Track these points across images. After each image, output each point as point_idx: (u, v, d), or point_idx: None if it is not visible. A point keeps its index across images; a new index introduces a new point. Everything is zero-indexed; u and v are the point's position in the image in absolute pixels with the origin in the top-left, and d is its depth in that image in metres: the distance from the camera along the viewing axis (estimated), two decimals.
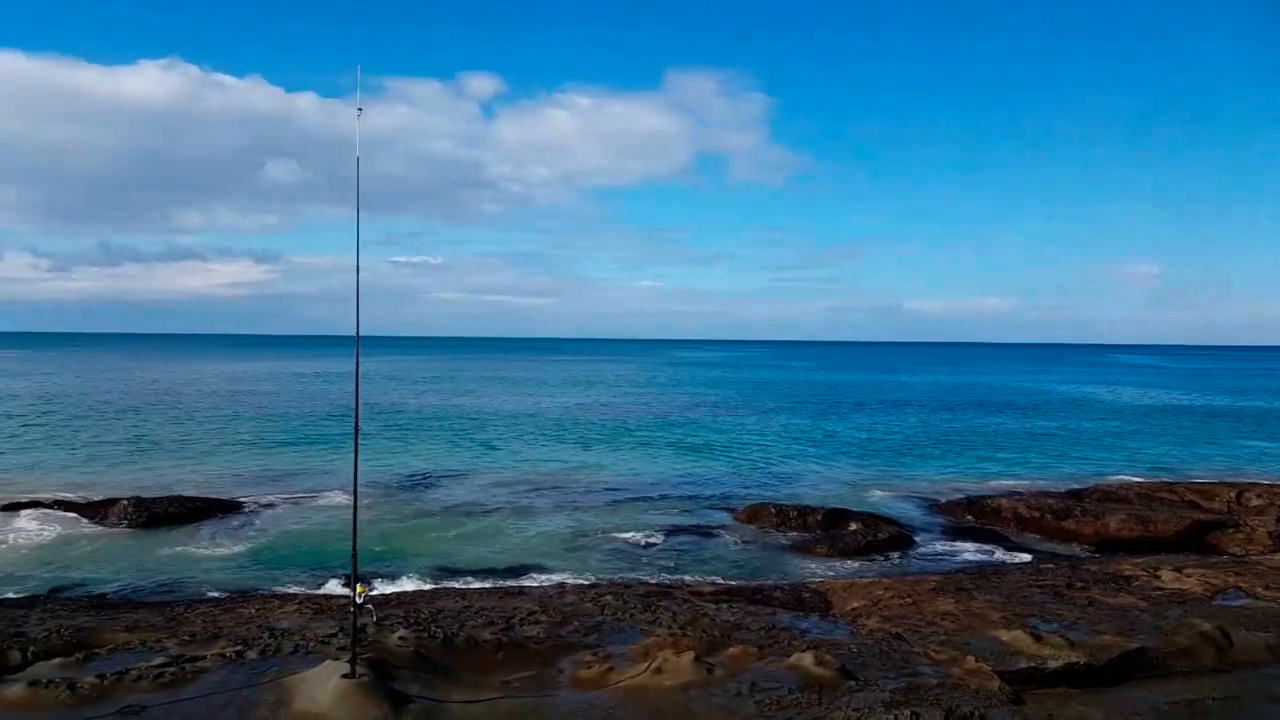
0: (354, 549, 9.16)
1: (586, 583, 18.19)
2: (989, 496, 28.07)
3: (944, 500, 28.77)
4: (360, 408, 9.48)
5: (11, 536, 22.55)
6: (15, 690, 7.64)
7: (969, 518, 26.34)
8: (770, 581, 18.65)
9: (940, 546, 22.98)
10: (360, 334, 8.96)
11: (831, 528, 24.04)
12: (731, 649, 11.01)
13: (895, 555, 21.85)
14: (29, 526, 23.58)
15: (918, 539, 23.48)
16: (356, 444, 9.31)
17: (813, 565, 20.87)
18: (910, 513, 27.23)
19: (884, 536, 22.80)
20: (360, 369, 9.48)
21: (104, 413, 54.65)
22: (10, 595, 16.99)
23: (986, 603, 14.45)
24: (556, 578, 19.13)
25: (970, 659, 10.88)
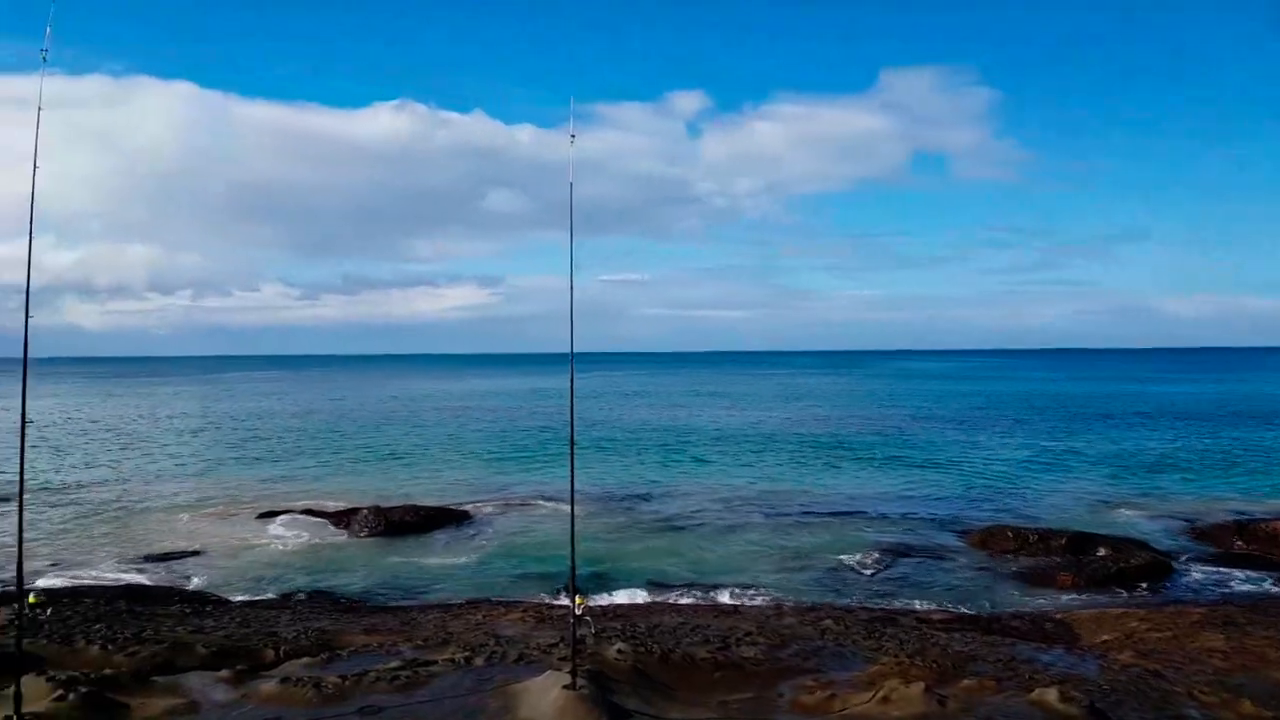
0: (572, 562, 9.17)
1: (805, 605, 17.55)
2: (1263, 519, 24.83)
3: (1206, 523, 25.72)
4: (575, 422, 9.50)
5: (268, 541, 24.74)
6: (270, 686, 8.13)
7: (1238, 543, 23.37)
8: (1007, 610, 17.26)
9: (1203, 575, 20.49)
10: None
11: (1076, 553, 22.01)
12: (965, 681, 10.13)
13: (1150, 584, 19.66)
14: (283, 533, 25.79)
15: (1176, 566, 21.06)
16: (572, 459, 9.33)
17: (1055, 594, 19.14)
18: (1166, 537, 24.52)
19: (1136, 563, 20.60)
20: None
21: (348, 427, 59.52)
22: (266, 597, 18.54)
23: (1264, 639, 12.64)
24: (772, 598, 18.60)
25: (1246, 703, 9.45)
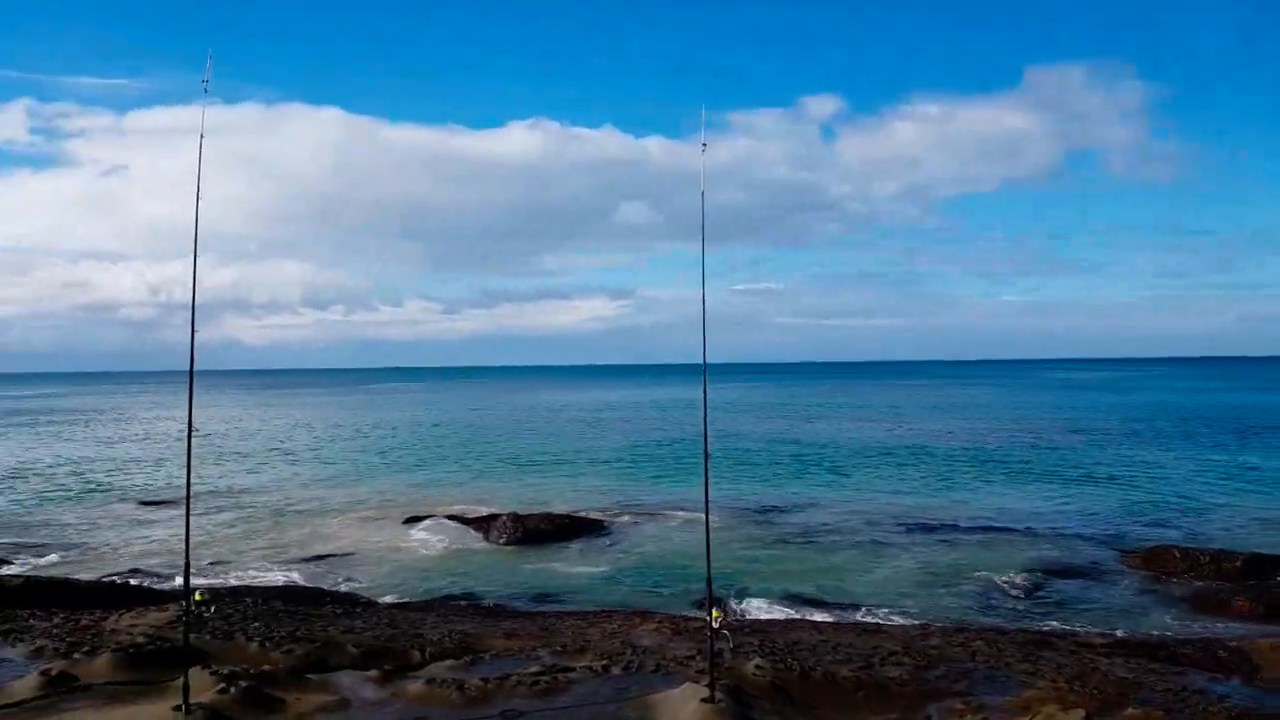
0: (708, 575, 9.01)
1: (952, 625, 16.78)
2: None
3: None
4: (709, 433, 9.35)
5: (412, 546, 25.62)
6: (416, 686, 8.31)
7: None
8: (1176, 635, 16.03)
9: None
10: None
11: (1254, 577, 20.27)
12: (1130, 710, 9.40)
13: None
14: (426, 537, 26.65)
15: None
16: (706, 471, 9.18)
17: (1229, 621, 17.65)
18: None
19: None
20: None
21: (487, 436, 61.26)
22: (411, 599, 19.15)
23: None
24: (915, 616, 17.89)
25: None
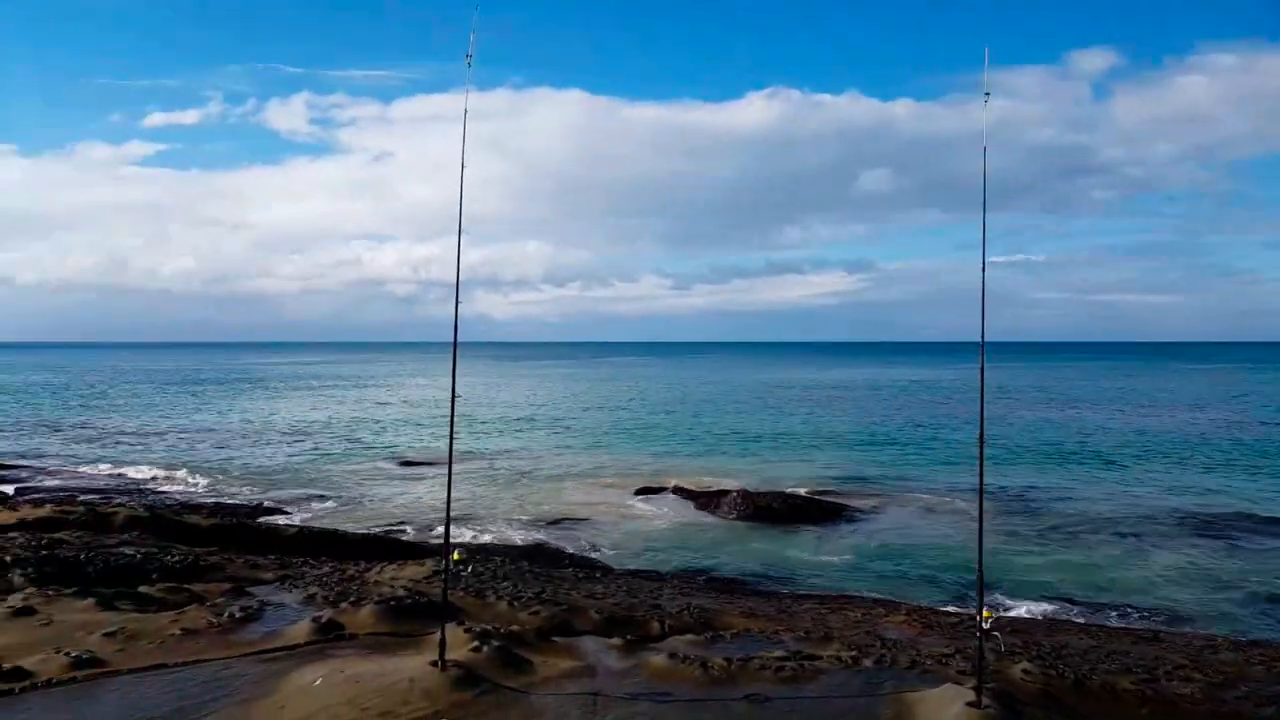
0: (979, 570, 8.15)
1: (1245, 639, 14.66)
2: None
3: None
4: (979, 415, 8.43)
5: (644, 516, 25.93)
6: (658, 660, 8.09)
7: None
8: None
9: None
10: (972, 340, 7.92)
11: None
12: None
13: None
14: (656, 509, 26.91)
15: None
16: (981, 457, 8.28)
17: None
18: None
19: None
20: (975, 376, 8.45)
21: (717, 411, 61.35)
22: (644, 568, 19.27)
23: None
24: (1196, 625, 15.84)
25: None
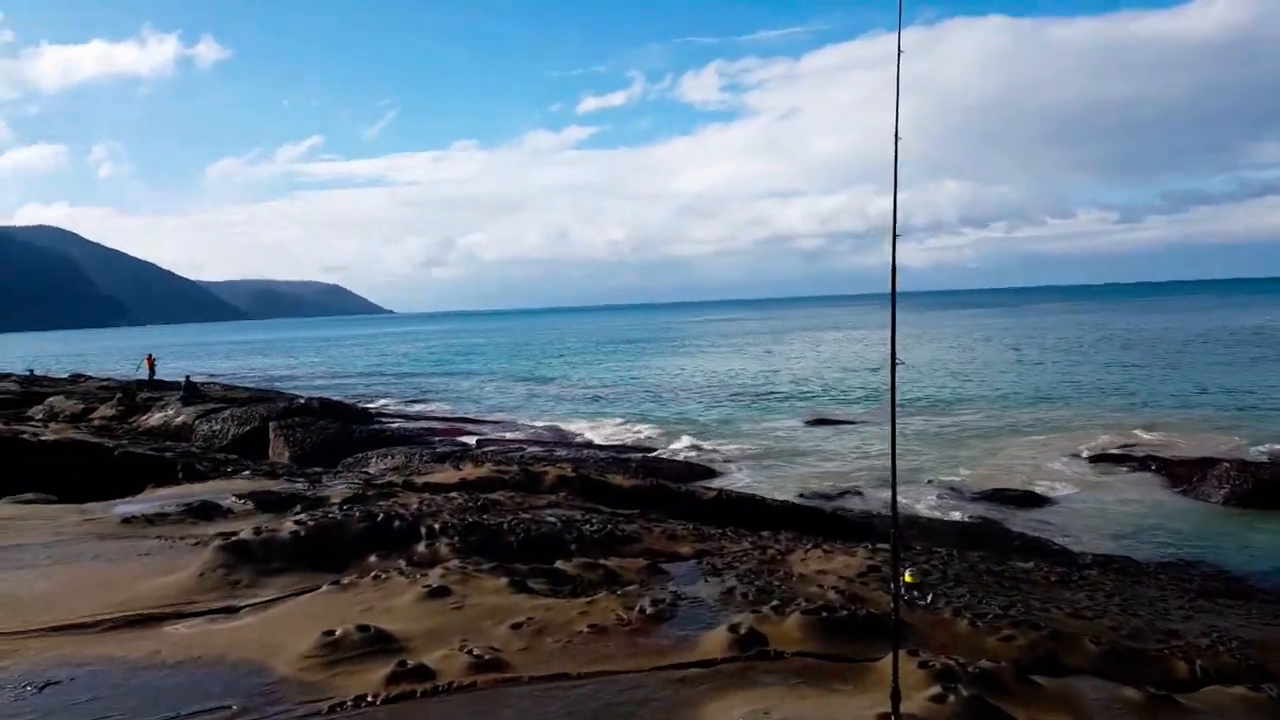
0: None
1: None
2: None
3: None
4: None
5: (1105, 488, 21.93)
6: None
7: None
8: None
9: None
10: None
11: None
12: None
13: None
14: (1119, 480, 22.75)
15: None
16: None
17: None
18: None
19: None
20: None
21: (1187, 360, 52.00)
22: (1120, 555, 15.83)
23: None
24: None
25: None
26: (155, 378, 43.26)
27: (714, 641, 6.42)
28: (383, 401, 47.76)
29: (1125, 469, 23.84)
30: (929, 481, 22.90)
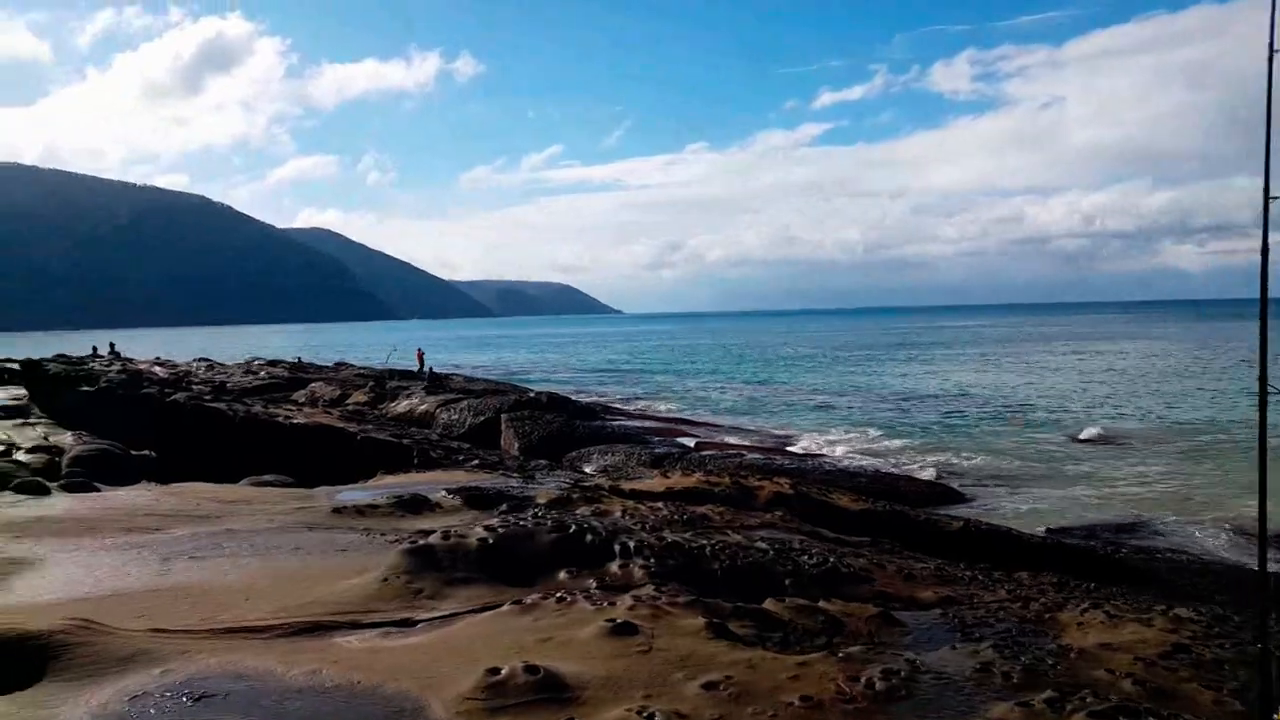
0: None
1: None
2: None
3: None
4: None
5: None
6: None
7: None
8: None
9: None
10: None
11: None
12: None
13: None
14: None
15: None
16: None
17: None
18: None
19: None
20: None
21: None
22: None
23: None
24: None
25: None
26: (425, 369, 45.21)
27: None
28: (607, 397, 48.17)
29: None
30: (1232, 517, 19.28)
